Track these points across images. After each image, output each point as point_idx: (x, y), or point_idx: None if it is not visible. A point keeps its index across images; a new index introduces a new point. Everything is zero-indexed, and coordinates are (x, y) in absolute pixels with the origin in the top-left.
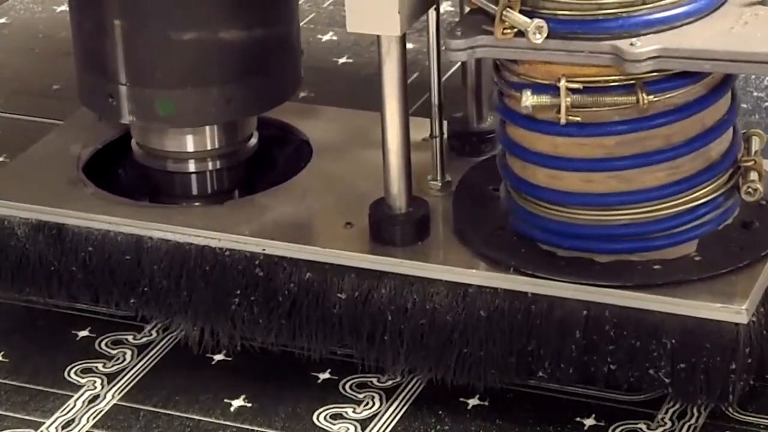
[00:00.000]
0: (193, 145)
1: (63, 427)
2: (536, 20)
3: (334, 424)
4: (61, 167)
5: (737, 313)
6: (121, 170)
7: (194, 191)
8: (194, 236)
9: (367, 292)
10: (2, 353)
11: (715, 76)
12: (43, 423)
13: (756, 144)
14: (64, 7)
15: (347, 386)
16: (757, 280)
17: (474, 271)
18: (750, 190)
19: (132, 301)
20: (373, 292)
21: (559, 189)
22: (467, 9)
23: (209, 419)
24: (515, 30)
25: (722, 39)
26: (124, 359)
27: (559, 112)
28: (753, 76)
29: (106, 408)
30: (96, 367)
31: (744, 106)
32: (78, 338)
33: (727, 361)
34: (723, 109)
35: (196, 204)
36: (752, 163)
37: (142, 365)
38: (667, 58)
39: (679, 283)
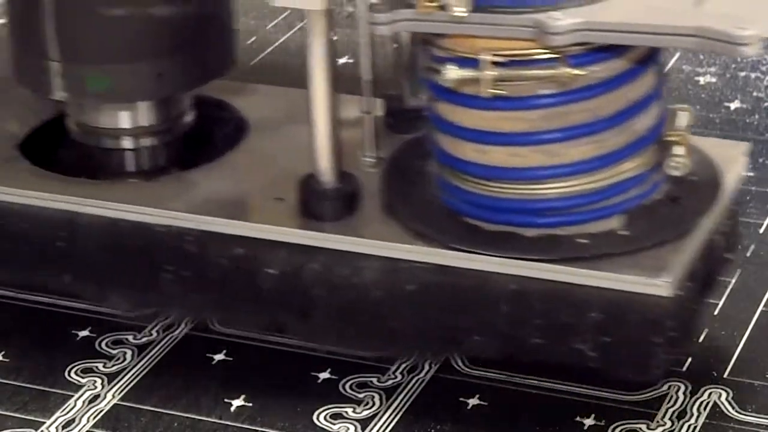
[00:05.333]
0: (127, 121)
1: (63, 427)
2: None
3: (334, 424)
4: None
5: (661, 286)
6: (57, 148)
7: (128, 168)
8: (127, 212)
9: (297, 267)
10: (2, 353)
11: (639, 50)
12: (44, 423)
13: (683, 119)
14: None
15: (347, 386)
16: (683, 254)
17: (402, 245)
18: (675, 164)
19: (66, 278)
20: (304, 267)
21: (485, 163)
22: None
23: (209, 419)
24: (438, 3)
25: (644, 12)
26: (125, 359)
27: (482, 85)
28: (753, 77)
29: (107, 408)
30: (96, 367)
31: (744, 106)
32: (78, 338)
33: (652, 335)
34: (649, 84)
35: (131, 181)
36: (678, 137)
37: (143, 365)
38: (588, 31)
39: (605, 256)
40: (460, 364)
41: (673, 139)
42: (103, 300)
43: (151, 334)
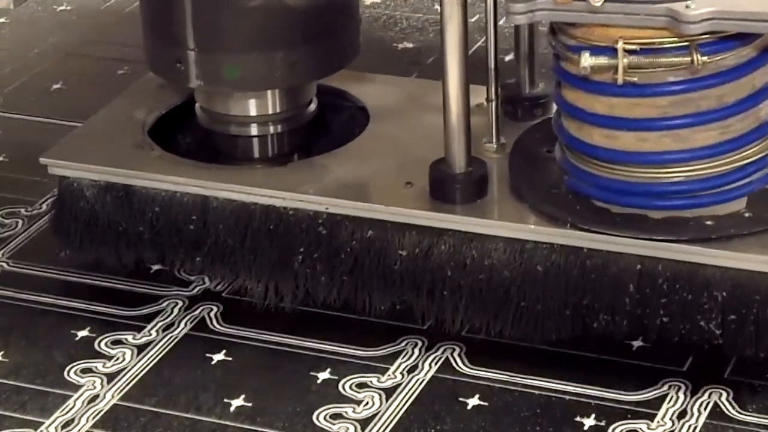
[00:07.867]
0: (255, 109)
1: (63, 427)
2: None
3: (334, 424)
4: (128, 131)
5: None
6: (183, 135)
7: (255, 154)
8: (259, 196)
9: (427, 249)
10: (2, 353)
11: (765, 39)
12: (43, 423)
13: None
14: (64, 7)
15: (347, 386)
16: None
17: (531, 226)
18: None
19: (198, 260)
20: (433, 249)
21: (614, 148)
22: None
23: (209, 419)
24: None
25: None
26: (124, 359)
27: (615, 73)
28: None
29: (106, 408)
30: (96, 367)
31: None
32: (78, 338)
33: None
34: None
35: (261, 166)
36: None
37: (142, 365)
38: (721, 20)
39: (731, 237)
40: (460, 364)
41: None
42: (235, 281)
43: (151, 334)
